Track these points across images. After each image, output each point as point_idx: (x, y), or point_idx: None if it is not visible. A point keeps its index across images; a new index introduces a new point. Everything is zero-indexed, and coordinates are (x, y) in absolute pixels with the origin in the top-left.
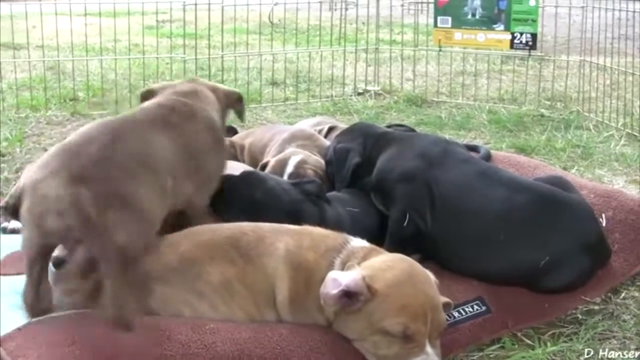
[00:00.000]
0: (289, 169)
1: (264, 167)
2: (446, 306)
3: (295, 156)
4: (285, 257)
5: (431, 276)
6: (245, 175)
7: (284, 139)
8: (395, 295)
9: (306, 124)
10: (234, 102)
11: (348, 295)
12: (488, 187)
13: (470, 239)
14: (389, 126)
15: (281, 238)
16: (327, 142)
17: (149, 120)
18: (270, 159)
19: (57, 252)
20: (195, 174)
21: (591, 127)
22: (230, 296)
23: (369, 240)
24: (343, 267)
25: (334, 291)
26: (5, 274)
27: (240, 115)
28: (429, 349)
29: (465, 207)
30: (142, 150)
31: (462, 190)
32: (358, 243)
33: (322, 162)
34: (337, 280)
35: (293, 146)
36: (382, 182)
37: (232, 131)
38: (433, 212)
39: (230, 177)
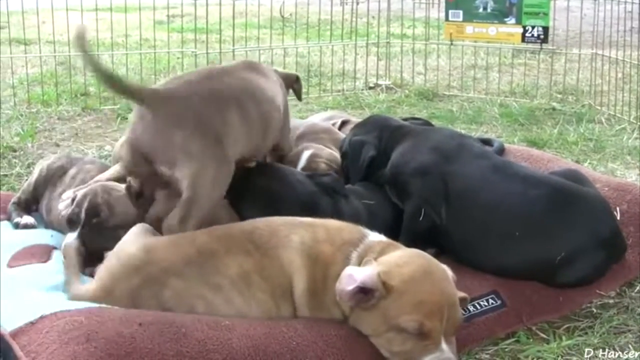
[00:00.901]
0: (302, 163)
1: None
2: (462, 301)
3: (308, 150)
4: (300, 249)
5: (448, 272)
6: (260, 165)
7: (300, 133)
8: (411, 291)
9: (319, 118)
10: (293, 82)
11: (364, 291)
12: (504, 182)
13: (485, 234)
14: (404, 119)
15: (295, 231)
16: (343, 136)
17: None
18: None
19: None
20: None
21: (603, 120)
22: (247, 288)
23: (385, 234)
24: (360, 262)
25: (350, 287)
26: (17, 266)
27: (298, 95)
28: (444, 345)
29: (481, 202)
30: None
31: (478, 185)
32: (375, 237)
33: (337, 155)
34: (353, 276)
35: (310, 139)
36: (397, 175)
37: None
38: (448, 207)
39: (245, 168)
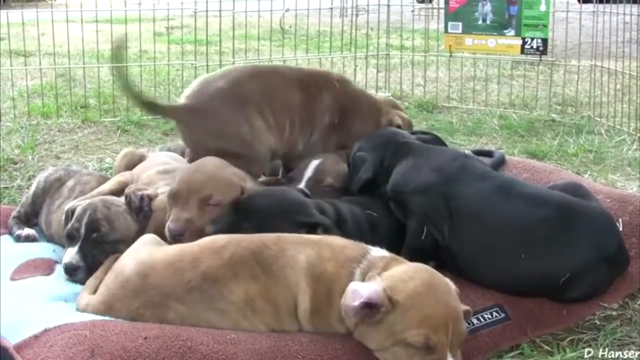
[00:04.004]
0: (308, 172)
1: (289, 170)
2: (466, 314)
3: (316, 160)
4: (306, 268)
5: (452, 285)
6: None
7: None
8: (416, 306)
9: None
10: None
11: (369, 307)
12: (508, 203)
13: (490, 254)
14: (413, 133)
15: (302, 249)
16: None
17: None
18: None
19: (69, 259)
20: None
21: (603, 132)
22: (253, 313)
23: (388, 244)
24: (364, 278)
25: (355, 303)
26: (20, 278)
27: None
28: (450, 359)
29: (485, 224)
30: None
31: (481, 208)
32: (378, 252)
33: (344, 167)
34: (358, 291)
35: None
36: (398, 194)
37: None
38: (451, 227)
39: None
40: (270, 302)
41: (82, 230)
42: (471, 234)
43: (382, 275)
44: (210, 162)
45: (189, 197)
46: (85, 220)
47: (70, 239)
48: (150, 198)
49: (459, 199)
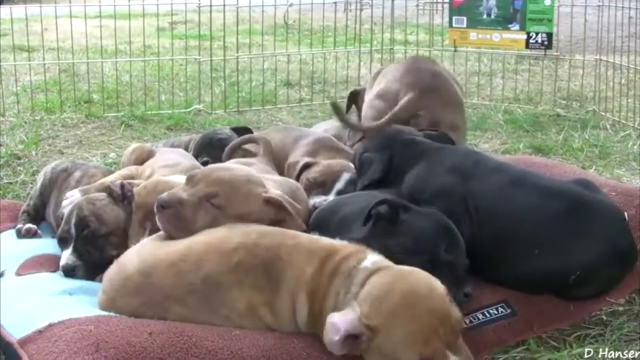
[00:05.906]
0: (340, 185)
1: (306, 166)
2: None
3: (347, 173)
4: (308, 283)
5: (435, 282)
6: None
7: (309, 143)
8: (398, 325)
9: (322, 128)
10: None
11: (352, 337)
12: (522, 195)
13: (504, 248)
14: (421, 130)
15: (310, 261)
16: (351, 151)
17: None
18: (307, 159)
19: (65, 261)
20: None
21: (608, 126)
22: (258, 319)
23: None
24: (347, 292)
25: (337, 337)
26: (25, 274)
27: None
28: (452, 358)
29: (500, 217)
30: None
31: (496, 201)
32: (368, 262)
33: None
34: (336, 324)
35: (322, 155)
36: (416, 199)
37: (246, 131)
38: (471, 223)
39: None
40: (273, 312)
41: (73, 231)
42: (487, 229)
43: (359, 296)
44: (248, 173)
45: (198, 183)
46: (73, 221)
47: (63, 241)
48: (132, 185)
49: (476, 195)
